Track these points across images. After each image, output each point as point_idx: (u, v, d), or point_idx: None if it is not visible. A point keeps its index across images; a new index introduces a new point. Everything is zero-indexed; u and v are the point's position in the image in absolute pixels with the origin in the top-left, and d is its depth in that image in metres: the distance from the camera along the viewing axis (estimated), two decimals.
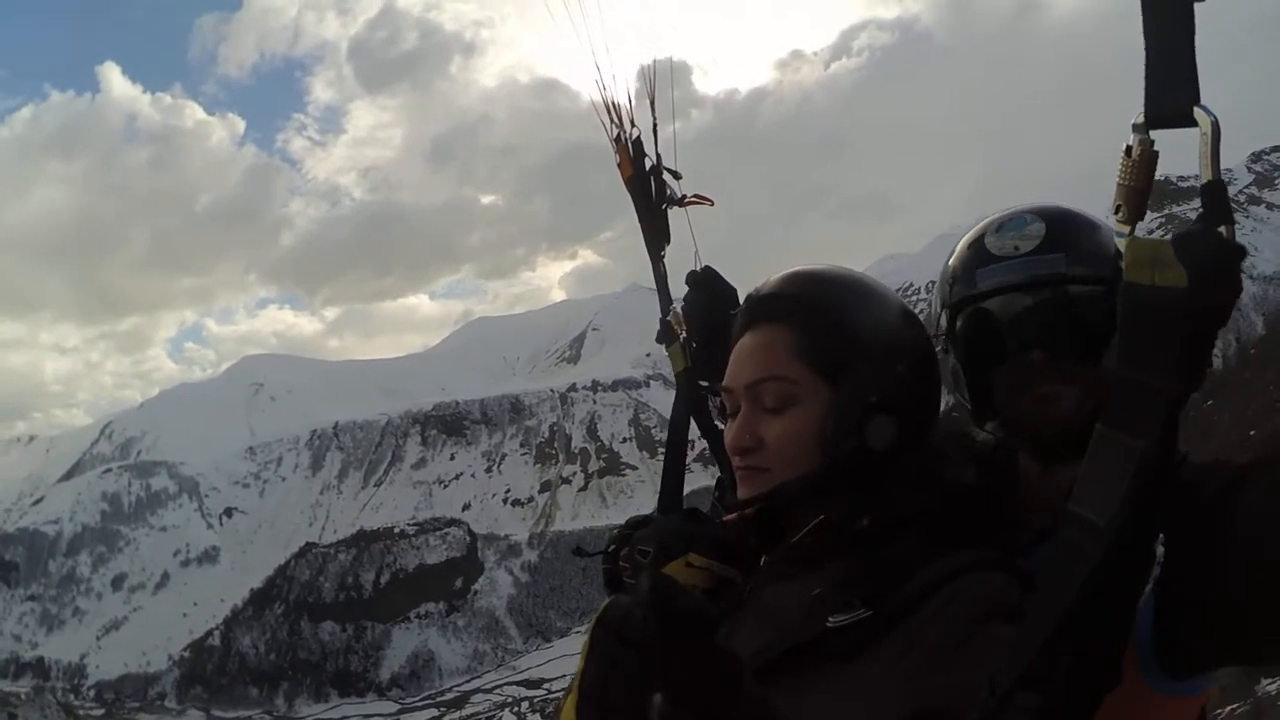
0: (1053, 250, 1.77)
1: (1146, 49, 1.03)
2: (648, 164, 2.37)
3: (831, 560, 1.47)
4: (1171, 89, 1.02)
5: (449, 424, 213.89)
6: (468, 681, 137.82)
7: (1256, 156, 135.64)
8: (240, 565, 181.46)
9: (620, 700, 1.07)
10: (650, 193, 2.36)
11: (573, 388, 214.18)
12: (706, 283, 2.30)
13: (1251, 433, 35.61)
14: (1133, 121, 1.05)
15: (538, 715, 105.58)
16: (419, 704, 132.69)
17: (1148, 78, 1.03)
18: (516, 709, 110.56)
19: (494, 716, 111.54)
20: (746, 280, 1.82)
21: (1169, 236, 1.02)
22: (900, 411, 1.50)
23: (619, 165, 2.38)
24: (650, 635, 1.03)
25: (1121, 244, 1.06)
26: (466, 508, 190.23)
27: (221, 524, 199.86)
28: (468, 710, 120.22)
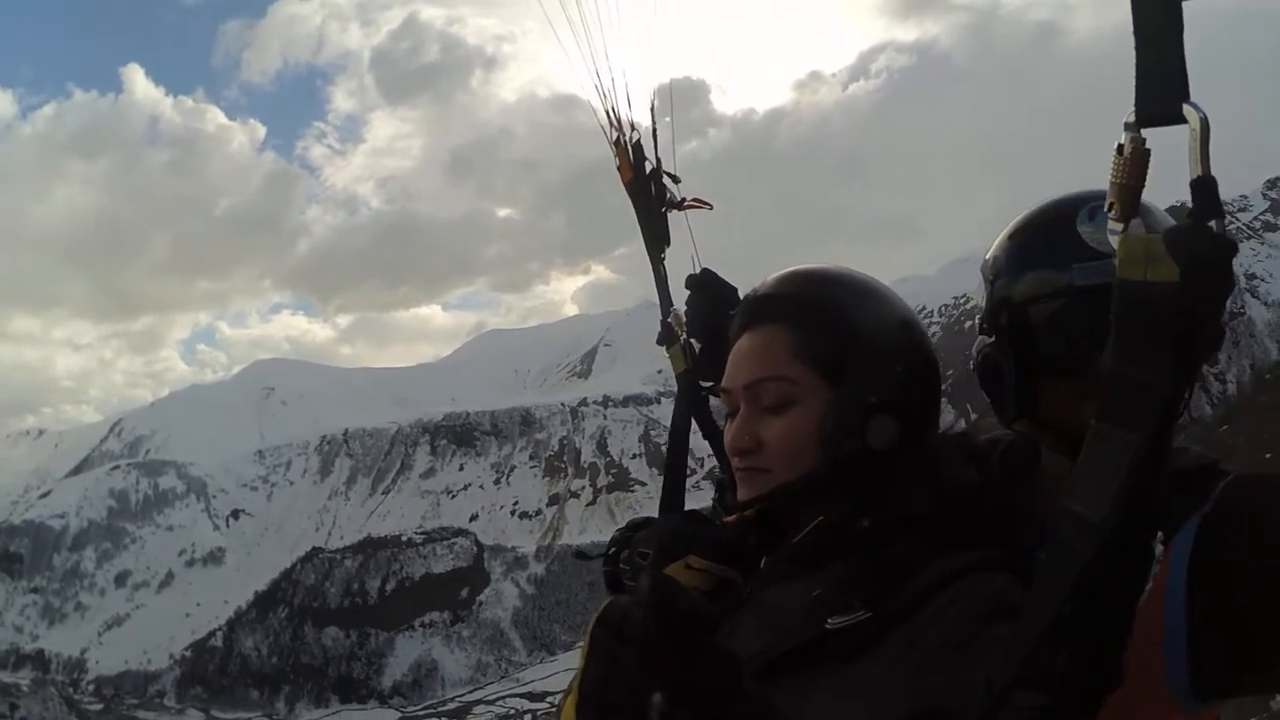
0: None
1: (1137, 49, 1.04)
2: (648, 168, 2.37)
3: (832, 561, 1.47)
4: (1161, 88, 1.03)
5: (459, 434, 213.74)
6: (470, 692, 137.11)
7: (1272, 183, 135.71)
8: (245, 567, 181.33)
9: (620, 700, 1.06)
10: (650, 196, 2.36)
11: (583, 402, 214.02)
12: (707, 285, 2.27)
13: (1267, 456, 35.56)
14: (1124, 120, 1.06)
15: None
16: (421, 713, 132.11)
17: (1138, 77, 1.04)
18: None
19: None
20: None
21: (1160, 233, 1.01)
22: (901, 412, 1.49)
23: (619, 168, 2.38)
24: (650, 635, 1.03)
25: (1115, 241, 1.06)
26: (474, 518, 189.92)
27: (228, 526, 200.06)
28: None
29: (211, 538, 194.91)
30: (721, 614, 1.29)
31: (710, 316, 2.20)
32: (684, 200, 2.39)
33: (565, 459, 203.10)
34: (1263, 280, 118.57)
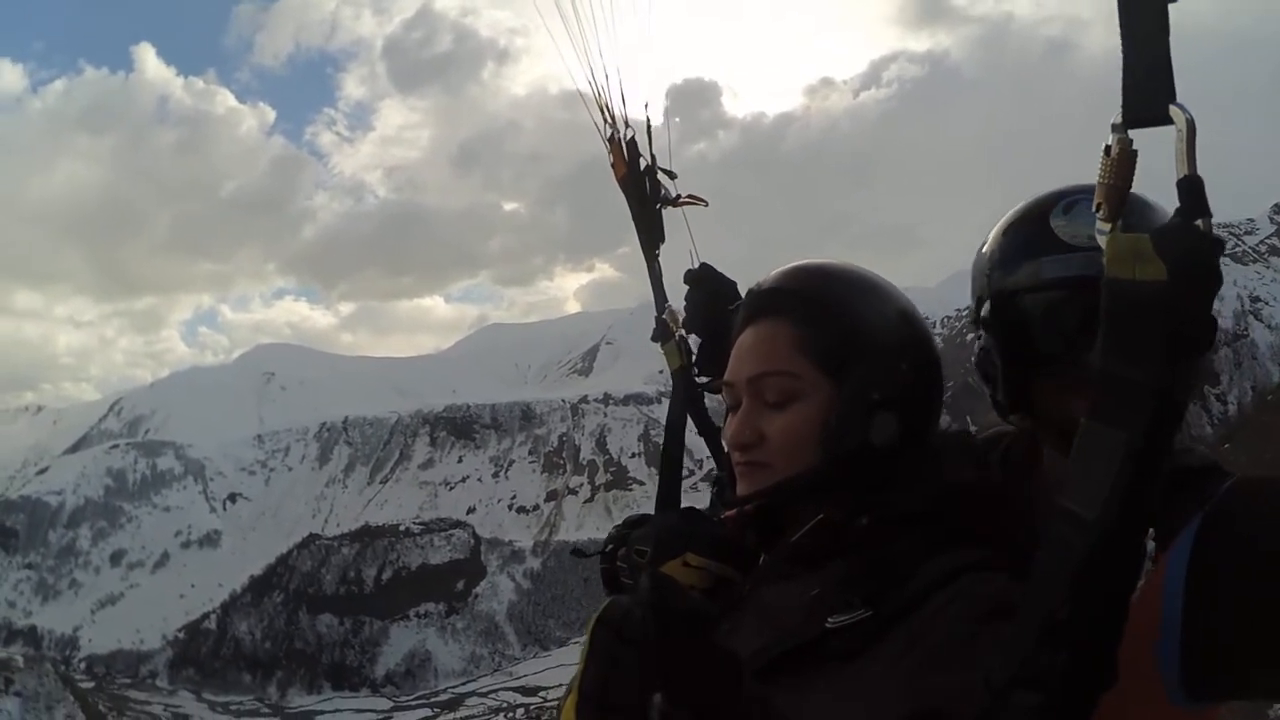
0: None
1: (1124, 51, 1.04)
2: (642, 164, 2.36)
3: (831, 559, 1.45)
4: (1148, 89, 1.04)
5: (458, 426, 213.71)
6: (463, 684, 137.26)
7: (1279, 207, 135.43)
8: (241, 551, 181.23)
9: (620, 700, 1.07)
10: (644, 193, 2.36)
11: (584, 399, 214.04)
12: (705, 279, 2.29)
13: None
14: (1112, 121, 1.07)
15: None
16: (412, 703, 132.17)
17: (1125, 78, 1.05)
18: (511, 715, 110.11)
19: None
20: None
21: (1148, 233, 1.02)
22: (903, 409, 1.48)
23: (612, 165, 2.38)
24: (650, 635, 1.03)
25: (1103, 240, 1.07)
26: (471, 511, 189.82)
27: (225, 509, 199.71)
28: (462, 713, 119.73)
29: (208, 520, 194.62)
30: (721, 613, 1.35)
31: (709, 311, 2.23)
32: (679, 197, 2.38)
33: (564, 455, 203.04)
34: (1266, 303, 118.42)
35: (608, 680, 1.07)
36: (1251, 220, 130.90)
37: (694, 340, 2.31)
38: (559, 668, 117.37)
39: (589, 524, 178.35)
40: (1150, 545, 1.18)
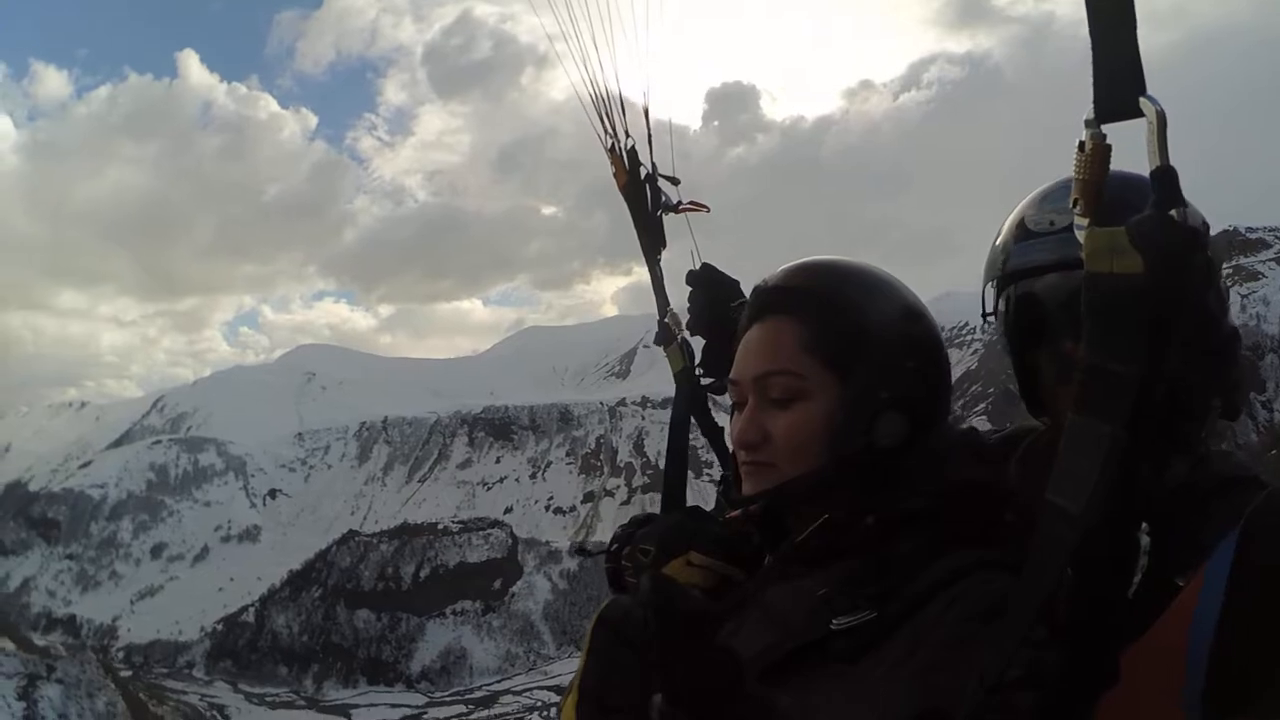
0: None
1: (1092, 45, 1.05)
2: (643, 172, 2.38)
3: (836, 560, 1.45)
4: (1118, 83, 1.04)
5: (497, 428, 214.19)
6: (498, 682, 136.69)
7: None
8: (280, 546, 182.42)
9: (620, 700, 1.07)
10: (645, 200, 2.38)
11: (622, 402, 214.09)
12: (707, 280, 2.29)
13: None
14: (1084, 117, 1.08)
15: None
16: (447, 699, 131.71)
17: (1095, 73, 1.06)
18: (545, 714, 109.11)
19: (521, 718, 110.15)
20: None
21: (1123, 226, 1.04)
22: (910, 408, 1.47)
23: (614, 174, 2.40)
24: (651, 635, 1.03)
25: (1081, 235, 1.07)
26: (508, 511, 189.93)
27: (265, 504, 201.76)
28: (496, 710, 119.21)
29: (248, 515, 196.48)
30: (723, 613, 1.34)
31: (711, 312, 2.24)
32: (680, 203, 2.40)
33: (602, 457, 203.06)
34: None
35: (608, 680, 1.08)
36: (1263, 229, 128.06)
37: (698, 342, 2.32)
38: None
39: None
40: (1145, 540, 1.15)
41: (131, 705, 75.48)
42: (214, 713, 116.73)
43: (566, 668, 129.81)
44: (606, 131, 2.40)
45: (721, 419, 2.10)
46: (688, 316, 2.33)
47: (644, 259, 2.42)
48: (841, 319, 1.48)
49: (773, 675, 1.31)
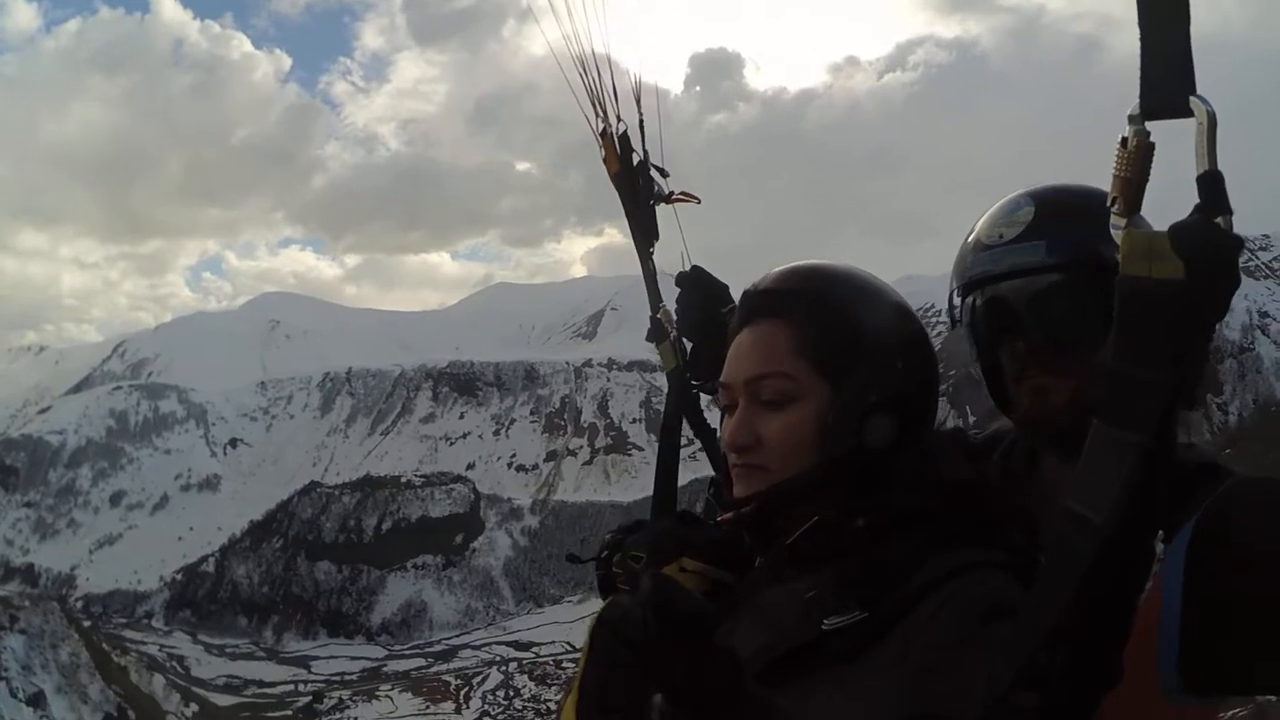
0: (1035, 238, 1.75)
1: (1141, 40, 1.02)
2: (635, 160, 2.35)
3: (828, 560, 1.45)
4: (1167, 80, 1.01)
5: (461, 383, 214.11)
6: (457, 636, 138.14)
7: None
8: (240, 496, 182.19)
9: (620, 700, 1.07)
10: (638, 189, 2.34)
11: (588, 363, 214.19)
12: (696, 282, 2.26)
13: None
14: (1129, 113, 1.05)
15: (525, 677, 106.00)
16: (406, 652, 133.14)
17: (1143, 68, 1.02)
18: (504, 668, 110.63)
19: (481, 673, 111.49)
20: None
21: (1166, 228, 1.00)
22: (900, 409, 1.48)
23: (605, 160, 2.37)
24: (650, 635, 1.03)
25: (1118, 236, 1.04)
26: (470, 467, 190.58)
27: (226, 454, 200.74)
28: (455, 664, 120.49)
29: (209, 464, 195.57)
30: (720, 615, 1.31)
31: (700, 314, 2.21)
32: (672, 194, 2.37)
33: (566, 417, 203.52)
34: (1275, 319, 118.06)
35: (608, 680, 1.08)
36: (1267, 235, 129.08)
37: (686, 344, 2.28)
38: (552, 624, 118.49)
39: (587, 485, 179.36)
40: (1160, 547, 1.18)
41: (95, 655, 75.65)
42: (173, 663, 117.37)
43: (526, 624, 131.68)
44: (598, 115, 2.35)
45: (711, 419, 2.07)
46: (677, 318, 2.30)
47: (635, 249, 2.38)
48: (832, 322, 1.50)
49: (767, 677, 1.30)
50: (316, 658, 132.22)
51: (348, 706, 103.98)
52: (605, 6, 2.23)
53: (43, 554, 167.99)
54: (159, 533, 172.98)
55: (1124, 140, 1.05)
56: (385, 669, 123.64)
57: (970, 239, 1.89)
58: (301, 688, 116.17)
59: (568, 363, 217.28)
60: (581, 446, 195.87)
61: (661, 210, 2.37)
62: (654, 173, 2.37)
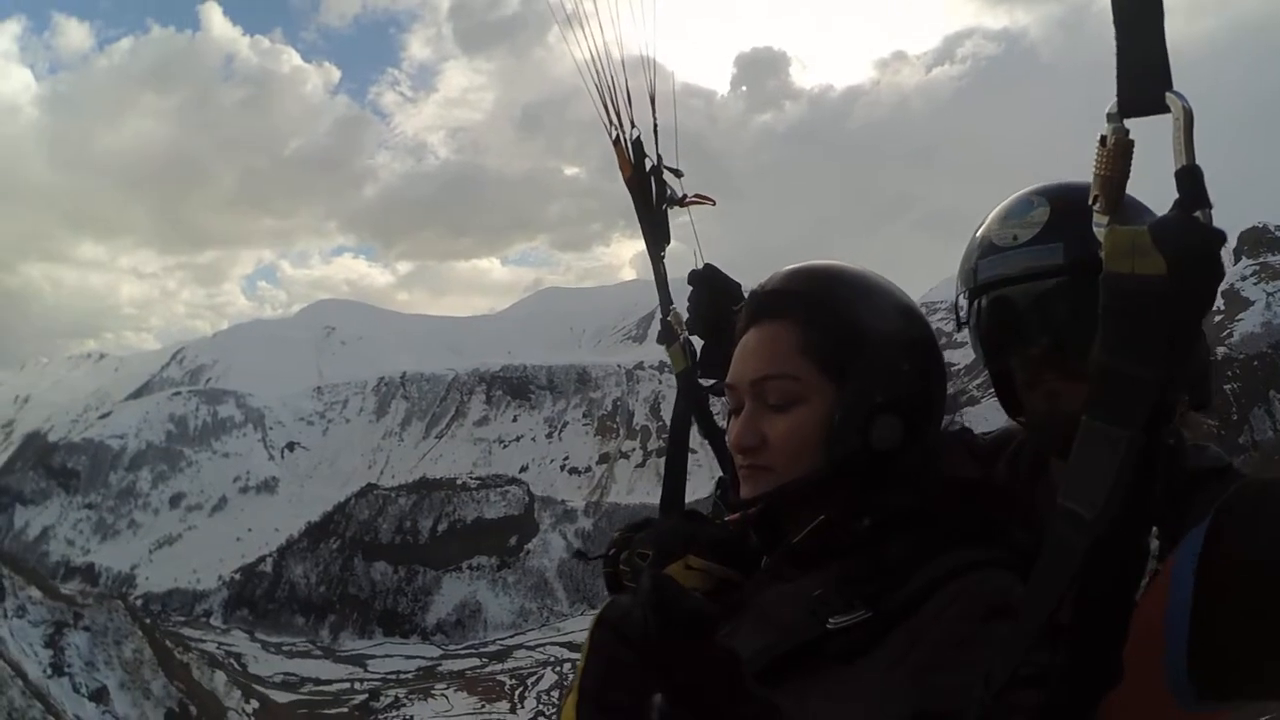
0: (1052, 239, 1.70)
1: (1117, 37, 1.02)
2: (648, 164, 2.36)
3: (832, 560, 1.44)
4: (1143, 77, 1.01)
5: (514, 386, 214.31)
6: (511, 636, 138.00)
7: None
8: (297, 498, 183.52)
9: (621, 700, 1.07)
10: (650, 193, 2.36)
11: (640, 365, 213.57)
12: (708, 280, 2.27)
13: None
14: (1107, 111, 1.05)
15: None
16: (461, 652, 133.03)
17: (1119, 66, 1.02)
18: (558, 669, 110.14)
19: (535, 673, 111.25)
20: None
21: (1146, 224, 1.00)
22: (905, 411, 1.48)
23: (619, 165, 2.38)
24: (651, 635, 1.03)
25: (1100, 234, 1.05)
26: (524, 469, 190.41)
27: (283, 457, 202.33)
28: (509, 664, 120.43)
29: (266, 467, 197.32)
30: (722, 614, 1.33)
31: (711, 312, 2.23)
32: (685, 196, 2.39)
33: (618, 420, 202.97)
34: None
35: (608, 680, 1.08)
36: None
37: (697, 341, 2.31)
38: None
39: (640, 488, 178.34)
40: (1154, 544, 1.17)
41: (157, 652, 76.21)
42: (231, 660, 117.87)
43: (579, 624, 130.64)
44: (611, 122, 2.36)
45: (719, 421, 2.10)
46: (688, 316, 2.30)
47: (647, 253, 2.39)
48: (837, 323, 1.49)
49: (770, 675, 1.30)
50: (372, 656, 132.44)
51: (404, 704, 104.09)
52: (618, 12, 2.24)
53: (103, 554, 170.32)
54: (218, 533, 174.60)
55: (1103, 139, 1.05)
56: (440, 668, 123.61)
57: (978, 239, 1.84)
58: (358, 686, 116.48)
59: (619, 365, 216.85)
60: (634, 449, 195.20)
61: (680, 211, 2.39)
62: (668, 175, 2.37)
